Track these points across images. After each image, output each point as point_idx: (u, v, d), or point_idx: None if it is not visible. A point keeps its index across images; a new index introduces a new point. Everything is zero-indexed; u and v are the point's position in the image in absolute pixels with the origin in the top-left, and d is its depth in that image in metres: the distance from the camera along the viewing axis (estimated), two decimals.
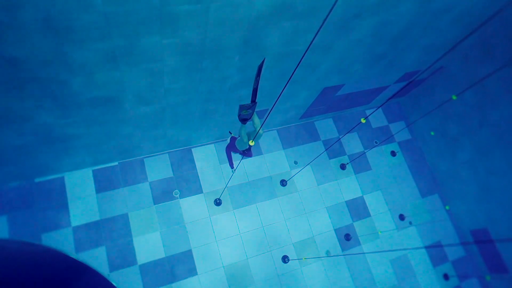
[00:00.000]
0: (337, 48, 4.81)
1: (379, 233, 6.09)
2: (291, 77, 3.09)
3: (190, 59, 3.93)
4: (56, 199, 5.93)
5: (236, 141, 4.59)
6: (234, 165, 4.92)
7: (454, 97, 4.50)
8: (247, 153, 4.45)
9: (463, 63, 6.69)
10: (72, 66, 3.39)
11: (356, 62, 5.49)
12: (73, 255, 1.48)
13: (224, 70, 4.41)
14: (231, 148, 4.75)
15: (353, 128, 5.57)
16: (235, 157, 5.15)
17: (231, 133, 5.07)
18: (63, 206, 5.93)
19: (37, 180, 5.95)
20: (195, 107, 5.22)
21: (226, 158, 5.18)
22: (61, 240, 5.75)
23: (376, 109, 4.33)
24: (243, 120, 3.78)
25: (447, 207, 5.74)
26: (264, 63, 3.42)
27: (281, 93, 3.33)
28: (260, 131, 4.18)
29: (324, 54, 4.83)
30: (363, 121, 4.00)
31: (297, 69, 2.96)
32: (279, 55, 4.47)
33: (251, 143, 3.53)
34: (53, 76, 3.45)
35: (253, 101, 3.55)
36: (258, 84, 3.53)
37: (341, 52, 4.93)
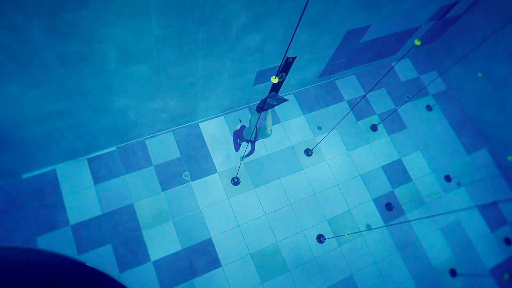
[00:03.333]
0: None
1: (432, 195, 5.12)
2: (306, 5, 2.14)
3: None
4: (50, 196, 5.11)
5: (244, 130, 4.65)
6: (239, 148, 4.93)
7: None
8: (251, 145, 4.65)
9: None
10: (23, 1, 2.47)
11: None
12: (76, 257, 1.39)
13: (226, 5, 3.45)
14: (238, 135, 4.76)
15: (382, 78, 4.60)
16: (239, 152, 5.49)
17: (241, 121, 5.19)
18: (58, 203, 5.10)
19: (24, 176, 5.13)
20: (196, 65, 4.28)
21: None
22: (60, 242, 4.94)
23: (405, 55, 3.38)
24: (260, 109, 3.45)
25: (509, 158, 4.75)
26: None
27: (294, 32, 2.41)
28: (269, 131, 4.25)
29: None
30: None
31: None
32: None
33: (274, 79, 2.60)
34: (1, 19, 2.54)
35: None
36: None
37: None
